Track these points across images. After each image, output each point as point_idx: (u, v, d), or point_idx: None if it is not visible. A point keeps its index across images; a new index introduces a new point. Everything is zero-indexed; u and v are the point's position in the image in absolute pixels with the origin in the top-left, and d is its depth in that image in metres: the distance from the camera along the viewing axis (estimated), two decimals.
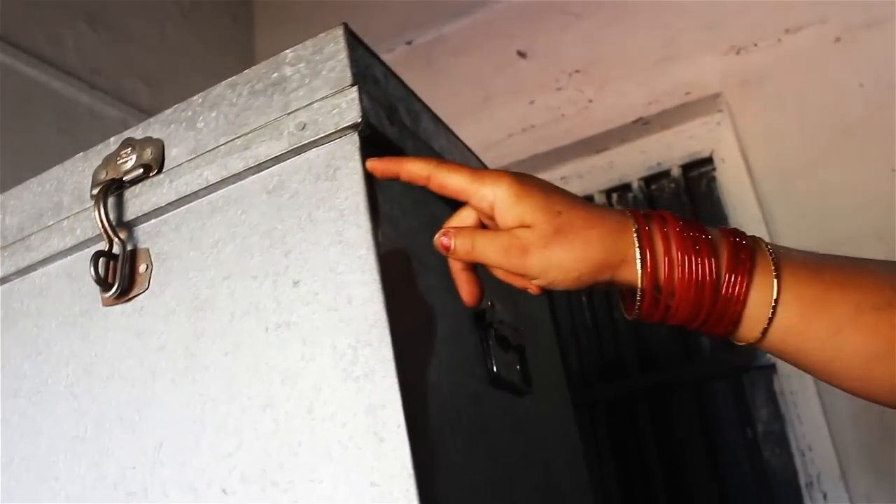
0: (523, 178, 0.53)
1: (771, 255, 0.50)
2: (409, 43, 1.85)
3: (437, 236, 0.55)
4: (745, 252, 0.49)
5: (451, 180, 0.54)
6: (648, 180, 1.70)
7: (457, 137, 0.77)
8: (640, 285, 0.50)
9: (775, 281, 0.49)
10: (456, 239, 0.54)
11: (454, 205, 0.70)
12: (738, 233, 0.51)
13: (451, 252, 0.55)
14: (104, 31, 1.56)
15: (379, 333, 0.52)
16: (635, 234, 0.50)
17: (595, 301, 1.70)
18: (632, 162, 1.70)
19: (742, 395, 1.53)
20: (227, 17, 1.94)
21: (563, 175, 1.74)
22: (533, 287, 0.54)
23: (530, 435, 0.72)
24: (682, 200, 1.66)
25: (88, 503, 0.60)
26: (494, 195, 0.52)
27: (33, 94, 1.36)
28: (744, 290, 0.49)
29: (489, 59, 1.77)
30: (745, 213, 1.56)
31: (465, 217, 0.56)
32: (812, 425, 1.40)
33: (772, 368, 1.50)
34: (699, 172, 1.68)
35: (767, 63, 1.53)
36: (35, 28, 1.39)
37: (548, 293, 1.07)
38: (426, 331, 0.57)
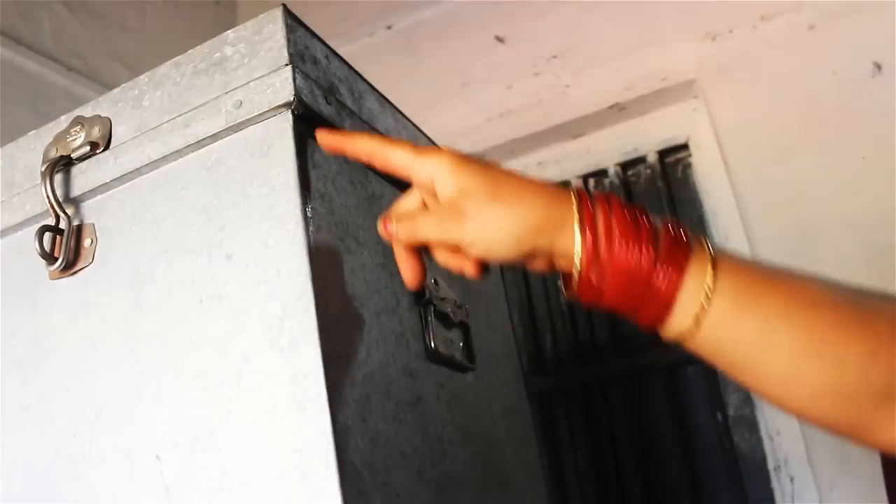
0: (464, 155, 0.54)
1: (709, 248, 0.50)
2: (389, 27, 1.86)
3: (378, 224, 0.56)
4: (684, 241, 0.49)
5: (393, 156, 0.55)
6: (625, 166, 1.71)
7: (405, 117, 0.78)
8: (578, 253, 0.49)
9: (710, 268, 0.48)
10: (398, 224, 0.55)
11: (396, 183, 0.71)
12: (680, 225, 0.51)
13: (393, 237, 0.55)
14: (82, 12, 1.57)
15: (304, 305, 0.54)
16: (576, 203, 0.50)
17: None
18: (608, 147, 1.71)
19: (714, 379, 1.54)
20: (209, 1, 1.95)
21: (541, 160, 1.76)
22: (470, 265, 0.55)
23: (471, 411, 0.73)
24: (658, 186, 1.67)
25: (32, 469, 0.62)
26: (435, 168, 0.53)
27: (8, 76, 1.37)
28: (678, 276, 0.48)
29: (468, 43, 1.78)
30: (719, 199, 1.57)
31: (408, 203, 0.57)
32: (781, 411, 1.42)
33: None
34: (675, 158, 1.69)
35: (742, 50, 1.54)
36: (10, 9, 1.40)
37: (516, 274, 1.08)
38: (356, 304, 0.59)
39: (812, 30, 1.49)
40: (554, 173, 1.74)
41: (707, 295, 0.48)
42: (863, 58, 1.43)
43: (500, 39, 1.75)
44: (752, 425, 1.49)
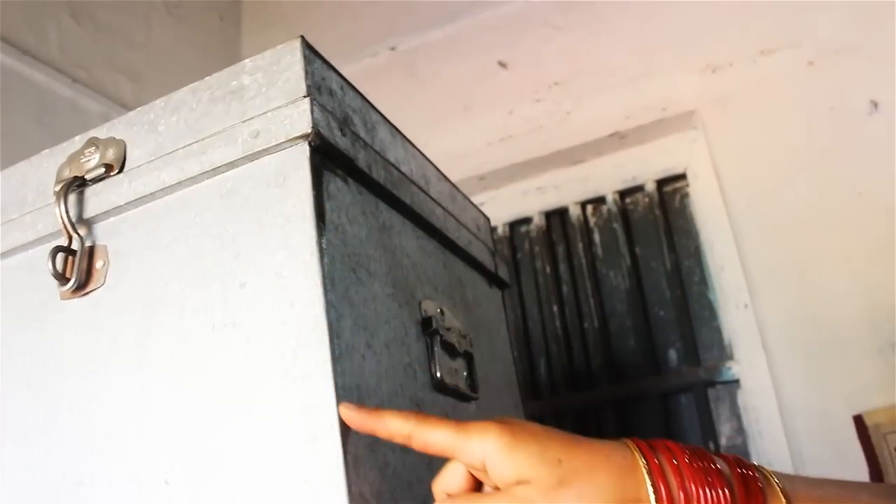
0: (512, 426, 0.50)
1: (779, 485, 0.49)
2: (392, 49, 1.88)
3: None
4: (755, 484, 0.48)
5: (433, 437, 0.50)
6: (623, 194, 1.73)
7: (415, 148, 0.79)
8: None
9: None
10: None
11: (407, 215, 0.72)
12: (743, 462, 0.50)
13: None
14: (89, 24, 1.57)
15: (318, 336, 0.54)
16: (646, 471, 0.47)
17: (566, 311, 1.73)
18: (607, 175, 1.72)
19: (707, 408, 1.55)
20: (215, 16, 1.96)
21: (540, 185, 1.77)
22: None
23: None
24: (656, 214, 1.68)
25: (37, 491, 0.62)
26: (483, 450, 0.48)
27: (14, 86, 1.37)
28: None
29: (471, 67, 1.80)
30: (716, 229, 1.59)
31: (452, 475, 0.52)
32: (773, 441, 1.43)
33: (736, 384, 1.53)
34: (673, 188, 1.71)
35: (742, 83, 1.56)
36: (18, 19, 1.41)
37: (512, 298, 1.10)
38: (367, 336, 0.59)
39: (811, 66, 1.51)
40: (552, 199, 1.76)
41: None
42: (860, 95, 1.45)
43: (502, 64, 1.77)
44: (744, 455, 1.49)
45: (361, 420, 0.52)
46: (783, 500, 0.48)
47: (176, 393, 0.59)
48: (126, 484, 0.59)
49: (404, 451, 0.60)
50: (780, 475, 0.50)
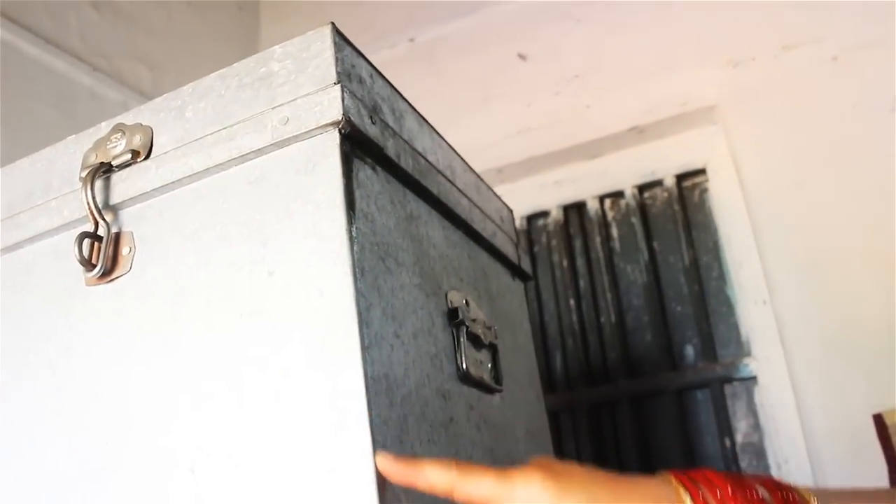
0: (556, 472, 0.49)
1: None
2: (411, 40, 1.87)
3: None
4: None
5: (477, 489, 0.49)
6: (642, 188, 1.72)
7: (442, 138, 0.79)
8: None
9: None
10: None
11: (433, 204, 0.72)
12: (781, 485, 0.50)
13: None
14: (109, 13, 1.57)
15: (347, 325, 0.54)
16: None
17: (583, 305, 1.72)
18: (626, 169, 1.71)
19: (723, 405, 1.54)
20: (233, 6, 1.96)
21: (557, 179, 1.76)
22: None
23: (498, 432, 0.73)
24: (674, 209, 1.67)
25: (61, 476, 0.62)
26: (530, 499, 0.48)
27: (34, 74, 1.38)
28: None
29: (490, 59, 1.79)
30: (734, 225, 1.58)
31: None
32: (790, 439, 1.42)
33: (753, 381, 1.52)
34: (692, 183, 1.69)
35: (764, 78, 1.54)
36: (38, 7, 1.41)
37: (529, 291, 1.09)
38: (395, 326, 0.59)
39: (834, 61, 1.49)
40: (570, 193, 1.75)
41: None
42: (884, 92, 1.43)
43: (522, 57, 1.76)
44: (760, 452, 1.49)
45: (400, 472, 0.51)
46: None
47: (202, 381, 0.58)
48: (150, 471, 0.58)
49: (430, 441, 0.60)
50: (816, 491, 0.50)
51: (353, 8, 1.88)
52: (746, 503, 0.47)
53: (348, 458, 0.51)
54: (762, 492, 0.49)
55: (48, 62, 1.41)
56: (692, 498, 0.47)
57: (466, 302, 0.72)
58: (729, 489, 0.48)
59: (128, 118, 0.70)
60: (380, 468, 0.51)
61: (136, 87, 1.58)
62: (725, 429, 1.53)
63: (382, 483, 0.51)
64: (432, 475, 0.50)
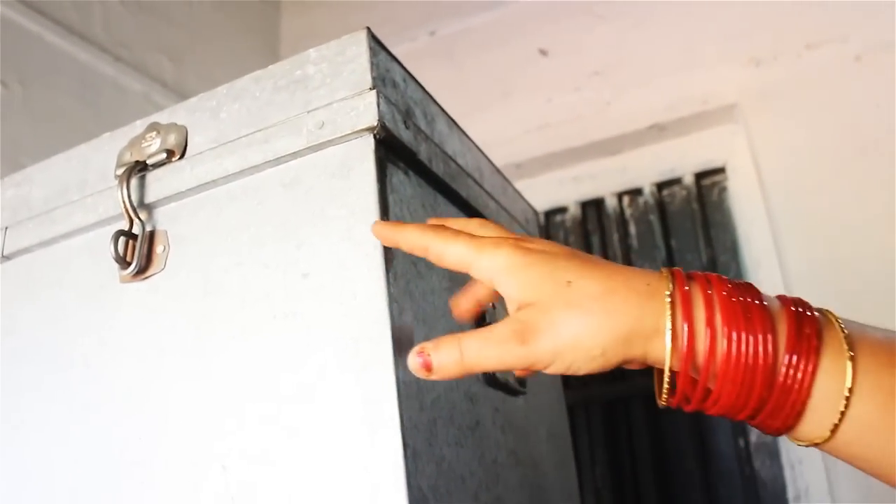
0: (528, 245, 0.47)
1: (843, 331, 0.41)
2: (432, 33, 1.87)
3: (411, 358, 0.48)
4: (811, 326, 0.40)
5: (449, 251, 0.49)
6: (661, 186, 1.72)
7: (470, 140, 0.79)
8: (668, 363, 0.41)
9: (850, 364, 0.39)
10: (436, 354, 0.47)
11: (461, 206, 0.72)
12: (801, 302, 0.42)
13: (434, 372, 0.47)
14: (132, 4, 1.58)
15: (380, 328, 0.54)
16: (668, 298, 0.41)
17: None
18: (645, 166, 1.71)
19: None
20: None
21: (576, 175, 1.76)
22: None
23: (521, 434, 0.74)
24: (693, 208, 1.67)
25: (94, 469, 0.64)
26: (492, 267, 0.46)
27: (58, 63, 1.39)
28: (809, 375, 0.39)
29: (511, 54, 1.79)
30: (754, 225, 1.58)
31: (465, 296, 0.54)
32: None
33: None
34: (712, 181, 1.69)
35: (786, 77, 1.54)
36: None
37: None
38: (426, 329, 0.60)
39: (858, 61, 1.49)
40: (589, 189, 1.75)
41: (846, 399, 0.39)
42: None
43: (543, 52, 1.76)
44: (774, 453, 1.49)
45: (386, 232, 0.54)
46: (844, 345, 0.40)
47: (235, 380, 0.59)
48: (183, 467, 0.59)
49: (458, 444, 0.60)
50: (849, 322, 0.42)
51: (374, 1, 1.88)
52: (741, 309, 0.40)
53: (380, 461, 0.52)
54: (770, 301, 0.42)
55: (72, 52, 1.42)
56: (675, 289, 0.42)
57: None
58: (724, 290, 0.42)
59: (162, 117, 0.71)
60: (373, 230, 0.55)
61: (159, 78, 1.59)
62: (739, 428, 1.53)
63: (411, 485, 0.52)
64: (411, 236, 0.52)
